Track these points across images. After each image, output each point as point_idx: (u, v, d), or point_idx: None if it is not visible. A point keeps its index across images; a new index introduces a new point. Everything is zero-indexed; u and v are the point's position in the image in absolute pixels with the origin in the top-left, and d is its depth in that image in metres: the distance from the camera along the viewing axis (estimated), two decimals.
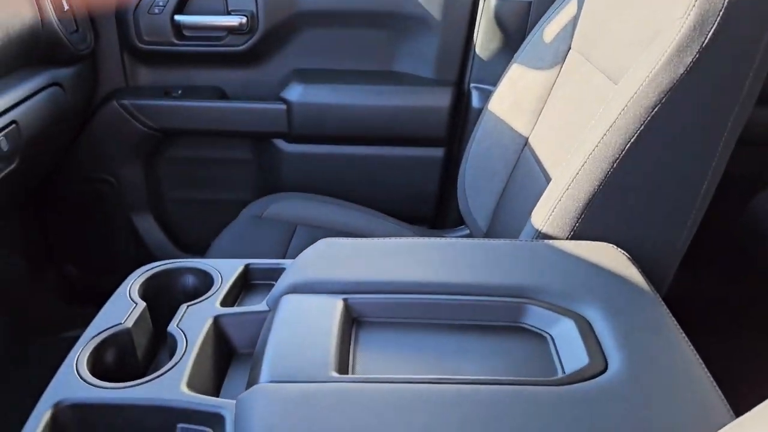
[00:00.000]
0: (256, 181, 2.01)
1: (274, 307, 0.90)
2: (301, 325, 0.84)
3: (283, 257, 1.57)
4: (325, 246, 1.01)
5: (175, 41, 1.80)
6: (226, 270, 1.01)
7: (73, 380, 0.78)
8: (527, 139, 1.48)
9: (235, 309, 0.94)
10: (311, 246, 1.01)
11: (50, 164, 1.84)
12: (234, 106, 1.86)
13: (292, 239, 1.64)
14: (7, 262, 1.98)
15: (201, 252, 2.02)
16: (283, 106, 1.85)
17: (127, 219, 2.01)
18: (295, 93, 1.85)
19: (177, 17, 1.79)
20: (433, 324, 0.88)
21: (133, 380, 0.79)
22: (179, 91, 1.87)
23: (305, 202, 1.82)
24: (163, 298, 1.00)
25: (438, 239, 1.03)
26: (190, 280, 1.02)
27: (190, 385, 0.79)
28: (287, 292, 0.91)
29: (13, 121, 1.47)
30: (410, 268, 0.95)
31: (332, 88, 1.85)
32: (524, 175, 1.44)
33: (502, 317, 0.88)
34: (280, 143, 1.92)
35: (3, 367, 1.84)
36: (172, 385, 0.78)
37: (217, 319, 0.91)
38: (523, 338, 0.85)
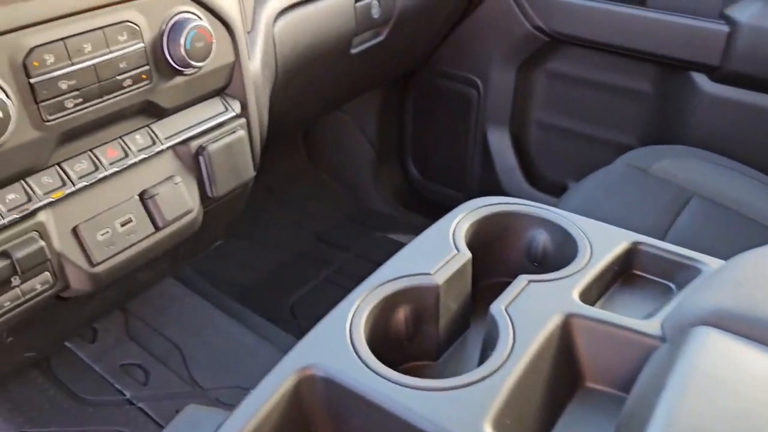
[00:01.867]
0: (649, 123, 1.54)
1: (677, 339, 0.50)
2: (732, 397, 0.43)
3: (665, 233, 1.12)
4: None
5: None
6: (599, 240, 0.64)
7: (344, 351, 0.51)
8: None
9: (601, 314, 0.56)
10: (754, 250, 0.57)
11: (421, 47, 1.63)
12: (653, 16, 1.39)
13: (683, 211, 1.17)
14: (353, 148, 1.90)
15: (557, 193, 1.67)
16: (725, 28, 1.31)
17: (482, 132, 1.73)
18: (748, 11, 1.29)
19: None
20: None
21: (425, 369, 0.54)
22: None
23: (709, 166, 1.31)
24: (494, 252, 0.67)
25: None
26: (540, 238, 0.67)
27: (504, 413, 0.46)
28: (707, 323, 0.50)
29: None
30: None
31: None
32: None
33: None
34: (701, 79, 1.40)
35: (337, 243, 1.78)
36: (482, 408, 0.45)
37: (568, 321, 0.55)
38: None
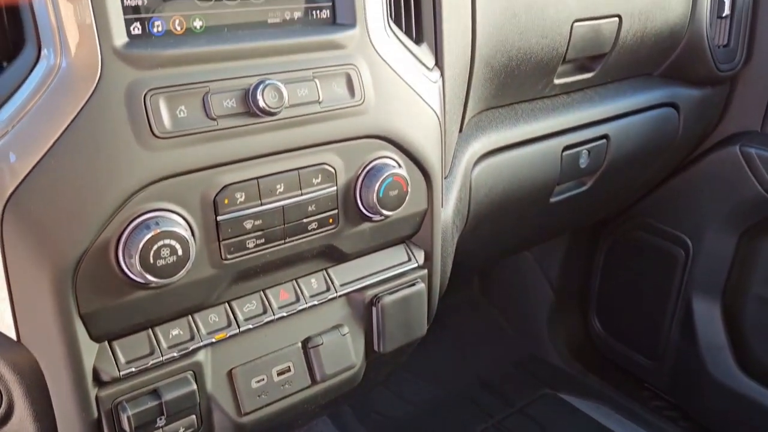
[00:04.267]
0: None
1: None
2: None
3: None
4: None
5: None
6: None
7: None
8: None
9: None
10: None
11: (626, 196, 1.48)
12: None
13: None
14: (533, 285, 1.75)
15: None
16: None
17: (686, 298, 1.51)
18: None
19: None
20: None
21: None
22: None
23: None
24: None
25: None
26: None
27: None
28: None
29: (604, 136, 1.15)
30: None
31: None
32: None
33: None
34: None
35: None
36: None
37: None
38: None
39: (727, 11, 1.24)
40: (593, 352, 1.76)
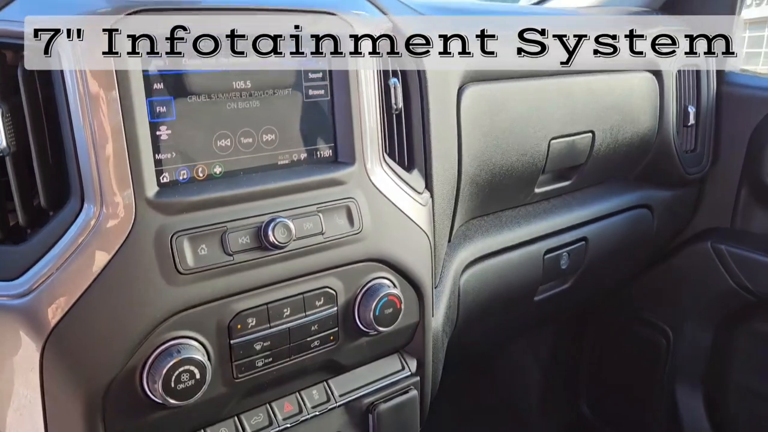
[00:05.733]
0: None
1: None
2: None
3: None
4: None
5: None
6: None
7: None
8: None
9: None
10: None
11: (607, 291, 1.55)
12: None
13: None
14: (523, 373, 1.80)
15: None
16: None
17: (670, 385, 1.57)
18: None
19: None
20: None
21: None
22: None
23: None
24: None
25: None
26: None
27: None
28: None
29: (582, 238, 1.23)
30: None
31: None
32: None
33: None
34: None
35: None
36: None
37: None
38: None
39: (692, 121, 1.35)
40: None
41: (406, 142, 0.88)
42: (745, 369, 1.48)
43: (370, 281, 0.79)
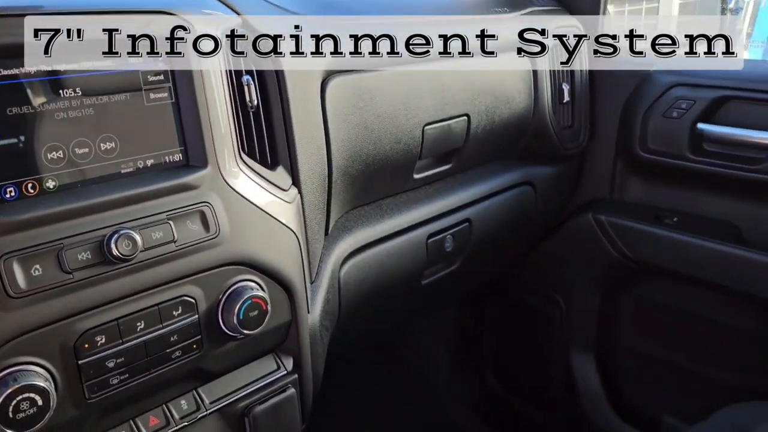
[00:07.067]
0: (755, 366, 1.39)
1: None
2: None
3: None
4: None
5: (689, 155, 1.35)
6: None
7: None
8: None
9: None
10: None
11: (497, 271, 1.60)
12: (749, 256, 1.30)
13: None
14: (431, 354, 1.83)
15: (648, 429, 1.51)
16: None
17: (564, 353, 1.63)
18: None
19: (700, 125, 1.34)
20: None
21: None
22: (675, 219, 1.41)
23: None
24: None
25: None
26: None
27: None
28: None
29: (466, 220, 1.26)
30: None
31: None
32: None
33: None
34: None
35: None
36: None
37: None
38: None
39: (567, 98, 1.40)
40: (491, 406, 1.85)
41: (267, 140, 0.86)
42: (631, 332, 1.56)
43: (232, 285, 0.77)
